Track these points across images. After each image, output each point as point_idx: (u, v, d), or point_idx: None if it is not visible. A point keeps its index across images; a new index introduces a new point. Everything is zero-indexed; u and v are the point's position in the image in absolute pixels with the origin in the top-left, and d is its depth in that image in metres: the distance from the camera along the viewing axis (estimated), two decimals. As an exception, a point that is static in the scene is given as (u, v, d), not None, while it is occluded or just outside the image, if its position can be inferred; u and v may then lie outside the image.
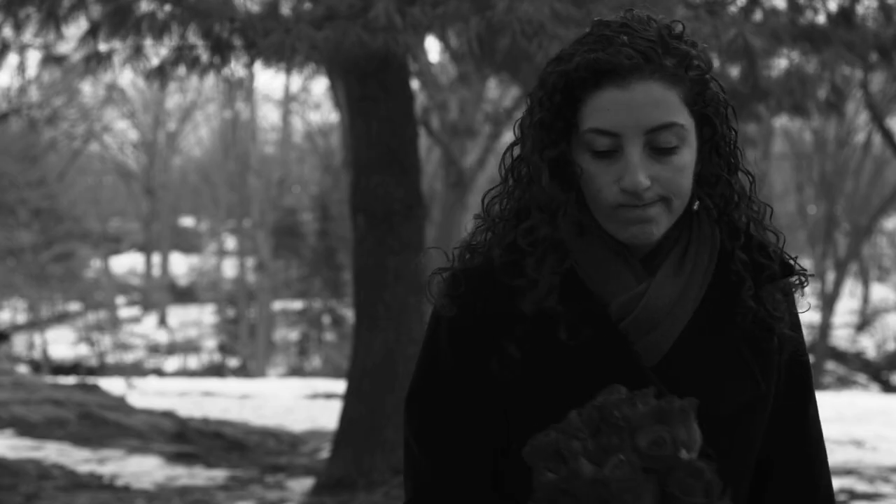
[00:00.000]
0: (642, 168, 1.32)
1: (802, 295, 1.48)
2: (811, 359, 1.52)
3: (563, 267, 1.36)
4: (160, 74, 6.56)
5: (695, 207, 1.41)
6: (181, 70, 6.47)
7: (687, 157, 1.35)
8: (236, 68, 6.74)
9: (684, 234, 1.40)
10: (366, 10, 5.25)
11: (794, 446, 1.47)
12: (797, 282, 1.46)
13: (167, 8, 5.93)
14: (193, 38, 6.13)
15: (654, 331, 1.35)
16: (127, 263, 38.74)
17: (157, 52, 6.62)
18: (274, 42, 5.36)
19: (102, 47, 6.37)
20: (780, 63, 7.24)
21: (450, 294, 1.40)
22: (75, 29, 6.64)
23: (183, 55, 6.28)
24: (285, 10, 6.07)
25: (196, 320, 34.07)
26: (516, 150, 1.42)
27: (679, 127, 1.33)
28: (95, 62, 6.41)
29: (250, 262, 33.44)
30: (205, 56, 6.21)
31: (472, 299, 1.39)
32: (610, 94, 1.31)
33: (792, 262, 1.46)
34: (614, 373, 1.30)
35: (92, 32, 6.19)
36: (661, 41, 1.33)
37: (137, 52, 6.48)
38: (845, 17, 5.99)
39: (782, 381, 1.45)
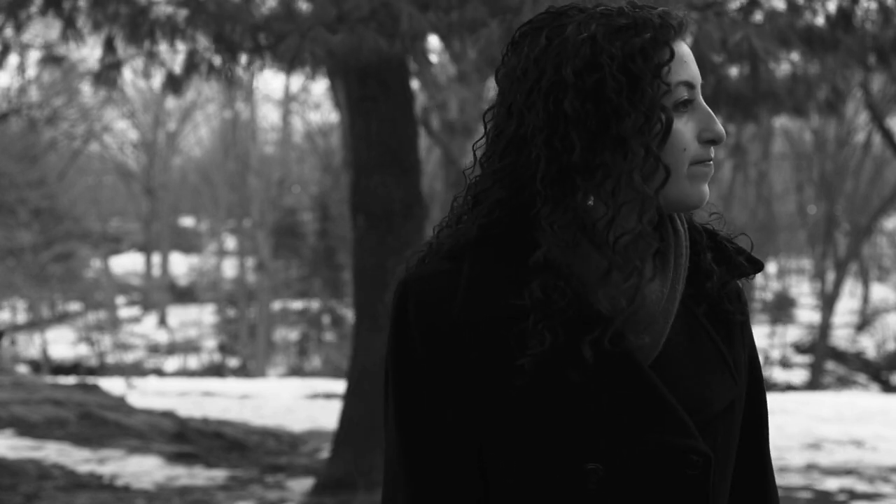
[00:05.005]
0: None
1: (750, 280, 1.42)
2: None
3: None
4: (173, 83, 6.54)
5: None
6: (198, 75, 6.43)
7: None
8: (247, 71, 6.71)
9: (664, 227, 1.34)
10: (376, 13, 5.24)
11: (752, 452, 1.42)
12: (749, 272, 1.40)
13: (183, 12, 5.91)
14: (206, 42, 6.11)
15: (646, 330, 1.29)
16: (127, 263, 38.74)
17: (169, 59, 6.59)
18: (290, 46, 5.34)
19: (119, 55, 6.33)
20: (782, 65, 7.24)
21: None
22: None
23: (196, 61, 6.26)
24: (299, 7, 6.04)
25: (196, 320, 34.07)
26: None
27: None
28: (109, 73, 6.37)
29: (250, 262, 33.44)
30: (217, 60, 6.20)
31: (435, 304, 1.30)
32: (679, 48, 1.29)
33: (742, 250, 1.40)
34: (611, 374, 1.27)
35: (108, 44, 6.17)
36: None
37: (152, 57, 6.45)
38: (845, 18, 5.98)
39: (745, 380, 1.40)
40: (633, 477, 1.28)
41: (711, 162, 1.31)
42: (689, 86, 1.29)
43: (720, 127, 1.30)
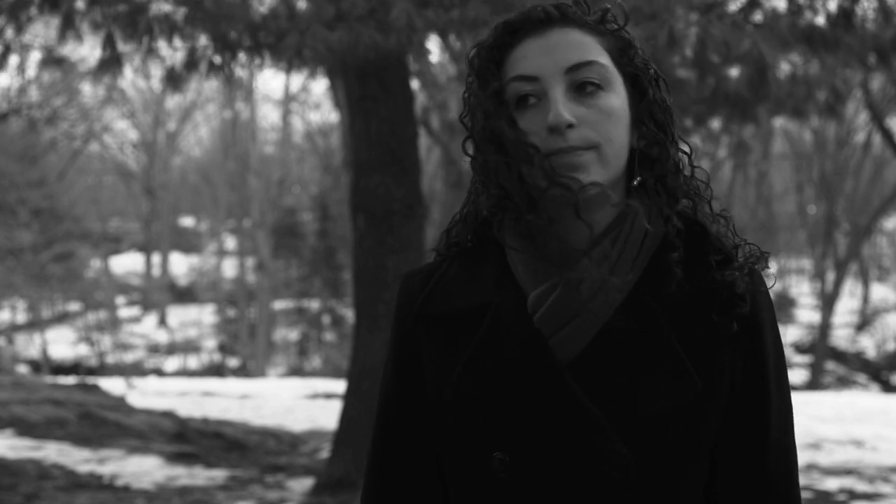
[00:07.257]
0: (565, 107, 1.28)
1: (764, 283, 1.36)
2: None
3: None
4: (173, 80, 6.53)
5: (634, 183, 1.35)
6: (197, 73, 6.42)
7: (614, 101, 1.31)
8: (246, 70, 6.71)
9: (619, 224, 1.32)
10: (375, 12, 5.24)
11: (744, 457, 1.35)
12: (746, 270, 1.34)
13: (181, 11, 5.90)
14: (204, 40, 6.10)
15: (569, 324, 1.29)
16: (127, 263, 38.77)
17: (169, 56, 6.58)
18: (290, 44, 5.34)
19: (119, 50, 6.33)
20: (782, 65, 7.23)
21: (397, 298, 1.44)
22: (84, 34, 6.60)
23: (196, 58, 6.26)
24: (297, 7, 6.04)
25: (196, 320, 34.09)
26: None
27: (600, 66, 1.31)
28: (109, 66, 6.36)
29: (250, 262, 33.45)
30: (216, 59, 6.19)
31: (408, 300, 1.41)
32: (527, 44, 1.32)
33: (737, 244, 1.37)
34: (527, 368, 1.29)
35: (109, 39, 6.16)
36: (582, 3, 1.36)
37: (150, 54, 6.44)
38: (846, 16, 5.97)
39: (737, 382, 1.33)
40: (546, 472, 1.29)
41: (569, 151, 1.27)
42: (529, 79, 1.30)
43: (556, 113, 1.27)
